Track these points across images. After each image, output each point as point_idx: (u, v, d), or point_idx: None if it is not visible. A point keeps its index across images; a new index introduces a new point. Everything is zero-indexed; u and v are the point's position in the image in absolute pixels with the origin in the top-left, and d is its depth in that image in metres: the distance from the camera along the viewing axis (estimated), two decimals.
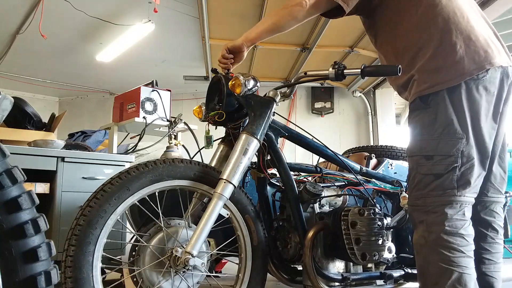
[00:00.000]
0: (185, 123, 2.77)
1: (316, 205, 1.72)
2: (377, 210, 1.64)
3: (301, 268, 1.66)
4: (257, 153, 1.65)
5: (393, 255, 1.74)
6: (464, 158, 1.35)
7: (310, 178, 1.86)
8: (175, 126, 2.76)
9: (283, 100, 1.78)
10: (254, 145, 1.54)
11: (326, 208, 1.77)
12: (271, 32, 1.59)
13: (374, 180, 1.90)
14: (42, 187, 2.12)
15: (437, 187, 1.36)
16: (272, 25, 1.57)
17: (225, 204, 1.47)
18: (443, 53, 1.40)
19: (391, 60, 1.57)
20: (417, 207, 1.40)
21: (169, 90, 2.93)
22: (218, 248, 1.60)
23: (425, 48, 1.43)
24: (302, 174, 1.85)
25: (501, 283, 1.52)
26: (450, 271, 1.30)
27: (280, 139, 1.74)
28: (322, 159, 1.92)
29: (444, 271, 1.31)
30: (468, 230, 1.36)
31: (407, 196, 1.81)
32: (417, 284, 1.77)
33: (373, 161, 2.24)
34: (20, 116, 2.74)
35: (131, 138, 3.06)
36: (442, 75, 1.38)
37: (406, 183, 1.90)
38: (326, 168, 2.05)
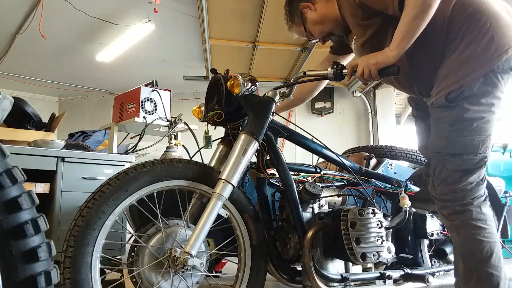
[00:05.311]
0: (185, 123, 2.77)
1: (316, 205, 1.72)
2: (376, 210, 1.64)
3: (300, 268, 1.66)
4: (256, 153, 1.65)
5: (392, 255, 1.74)
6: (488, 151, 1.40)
7: (309, 178, 1.86)
8: (175, 126, 2.76)
9: (283, 100, 1.78)
10: (253, 145, 1.54)
11: (326, 208, 1.77)
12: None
13: (373, 180, 1.90)
14: (42, 187, 2.12)
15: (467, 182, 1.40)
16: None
17: (224, 204, 1.48)
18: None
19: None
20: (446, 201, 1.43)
21: (169, 90, 2.93)
22: (217, 248, 1.60)
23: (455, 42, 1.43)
24: (302, 174, 1.85)
25: None
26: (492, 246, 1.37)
27: (280, 139, 1.74)
28: (321, 159, 1.92)
29: (486, 248, 1.37)
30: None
31: (406, 196, 1.82)
32: (417, 284, 1.77)
33: (373, 161, 2.24)
34: (20, 116, 2.74)
35: (131, 138, 3.05)
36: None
37: (405, 183, 1.91)
38: (325, 168, 2.05)
